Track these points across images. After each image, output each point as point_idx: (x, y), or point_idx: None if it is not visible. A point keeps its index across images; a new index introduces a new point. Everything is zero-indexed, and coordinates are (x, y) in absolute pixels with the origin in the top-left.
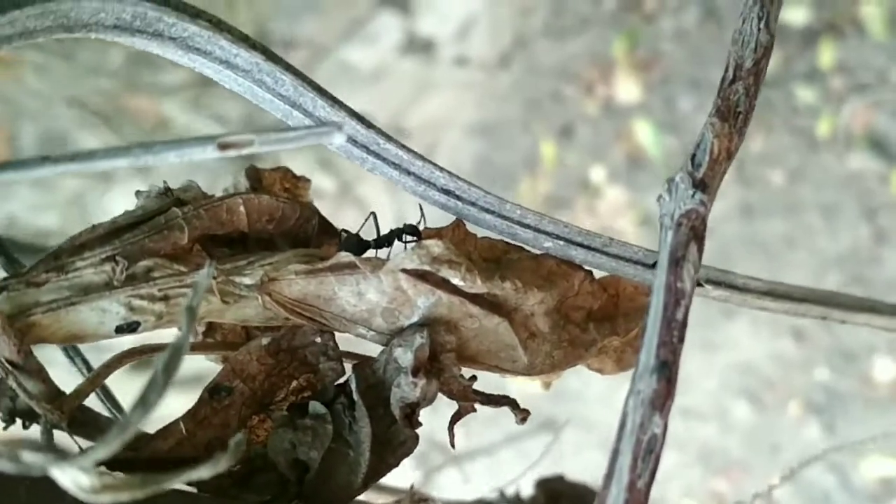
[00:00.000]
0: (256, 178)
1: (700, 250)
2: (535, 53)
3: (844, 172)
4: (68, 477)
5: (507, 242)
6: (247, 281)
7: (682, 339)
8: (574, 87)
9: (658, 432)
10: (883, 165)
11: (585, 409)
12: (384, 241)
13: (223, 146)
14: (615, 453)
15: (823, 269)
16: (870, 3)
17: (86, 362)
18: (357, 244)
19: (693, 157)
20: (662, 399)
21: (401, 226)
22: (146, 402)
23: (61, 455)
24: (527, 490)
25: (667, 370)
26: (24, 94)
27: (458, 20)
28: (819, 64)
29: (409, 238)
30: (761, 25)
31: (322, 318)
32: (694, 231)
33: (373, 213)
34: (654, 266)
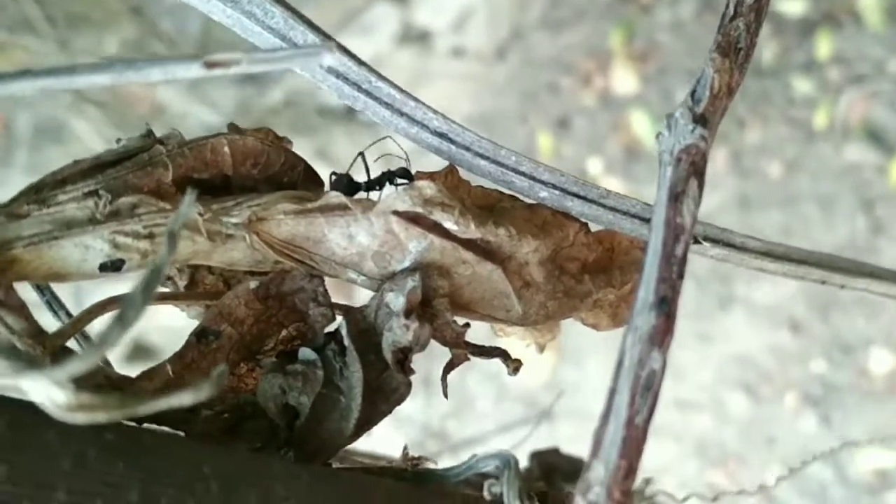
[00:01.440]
0: (238, 133)
1: (700, 186)
2: (531, 45)
3: (841, 164)
4: (41, 390)
5: (500, 192)
6: (234, 220)
7: (681, 276)
8: (571, 79)
9: (657, 368)
10: (880, 156)
11: (584, 400)
12: (375, 183)
13: (209, 64)
14: (612, 391)
15: None
16: None
17: (68, 314)
18: (347, 185)
19: (693, 92)
20: (661, 335)
21: (393, 169)
22: (124, 320)
23: (34, 366)
24: (522, 463)
25: (666, 306)
26: None
27: (454, 11)
28: (816, 55)
29: (400, 181)
30: None
31: (311, 260)
32: (694, 166)
33: (361, 154)
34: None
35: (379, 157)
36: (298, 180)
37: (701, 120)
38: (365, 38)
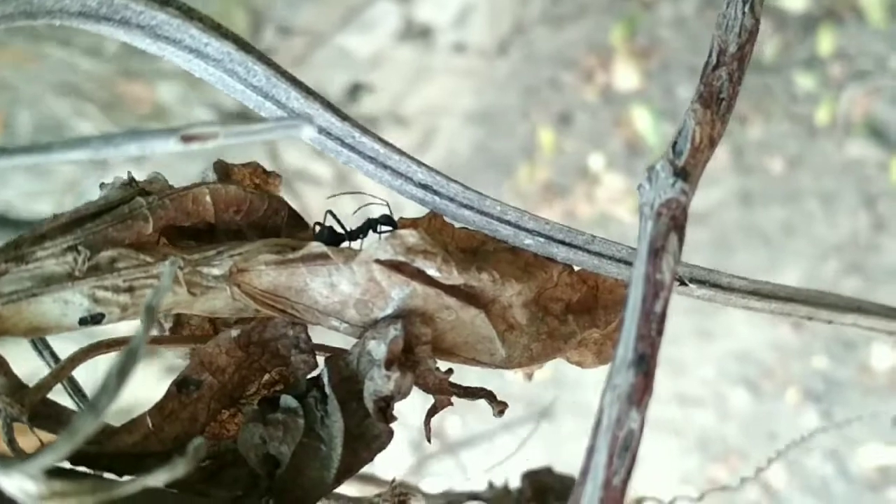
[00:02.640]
0: (225, 173)
1: (681, 240)
2: (533, 40)
3: (843, 160)
4: (14, 483)
5: (484, 234)
6: (215, 272)
7: (660, 332)
8: (573, 75)
9: (635, 428)
10: (882, 153)
11: (584, 396)
12: (358, 232)
13: (186, 138)
14: (591, 450)
15: (822, 257)
16: None
17: (54, 355)
18: (329, 235)
19: (674, 144)
20: (640, 394)
21: (376, 216)
22: (97, 407)
23: (6, 460)
24: (515, 482)
25: (644, 364)
26: (19, 79)
27: (456, 7)
28: (818, 51)
29: (384, 228)
30: (746, 9)
31: (293, 309)
32: (674, 221)
33: (329, 212)
34: None
35: (358, 209)
36: (283, 225)
37: (682, 173)
38: (366, 34)
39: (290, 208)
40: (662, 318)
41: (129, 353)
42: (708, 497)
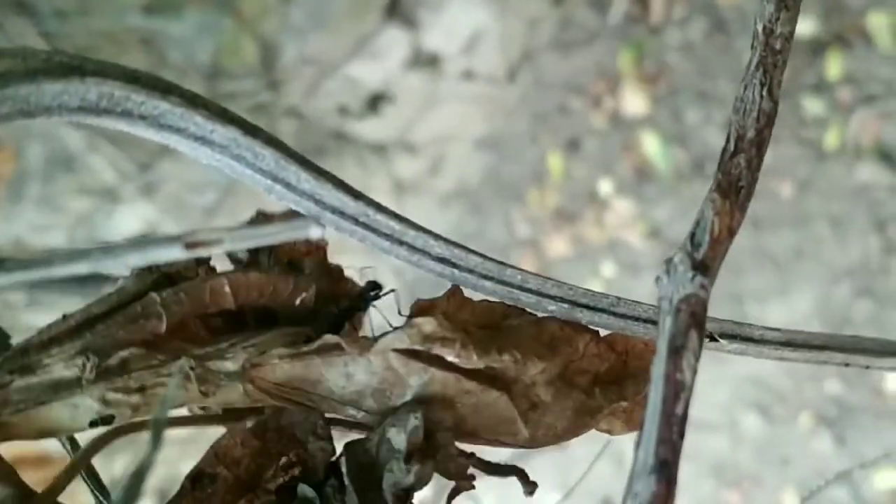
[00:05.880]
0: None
1: (700, 337)
2: (541, 67)
3: (853, 184)
4: None
5: (506, 304)
6: (228, 366)
7: (682, 435)
8: (581, 100)
9: None
10: (892, 177)
11: None
12: (354, 310)
13: (191, 245)
14: None
15: (833, 281)
16: (878, 15)
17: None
18: (335, 321)
19: (692, 235)
20: (662, 502)
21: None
22: None
23: None
24: None
25: (667, 471)
26: None
27: (464, 34)
28: (827, 75)
29: (373, 294)
30: (764, 92)
31: (309, 400)
32: (694, 317)
33: (337, 306)
34: None
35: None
36: (311, 303)
37: (701, 267)
38: (376, 63)
39: (321, 281)
40: (684, 419)
41: (137, 473)
42: None
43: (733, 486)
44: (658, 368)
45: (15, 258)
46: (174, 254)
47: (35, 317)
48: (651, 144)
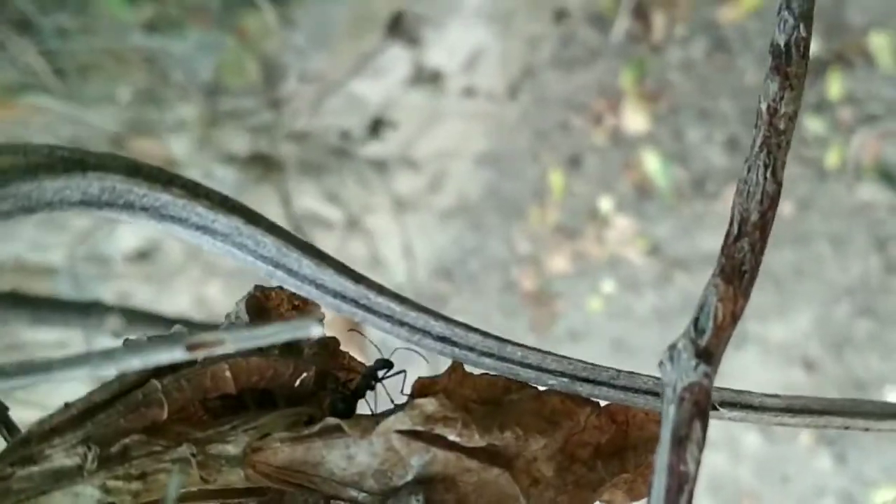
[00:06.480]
0: (259, 307)
1: (704, 427)
2: (543, 84)
3: (854, 203)
4: None
5: (507, 378)
6: (230, 450)
7: None
8: (582, 118)
9: None
10: (893, 196)
11: None
12: (365, 388)
13: (192, 347)
14: None
15: (834, 300)
16: (879, 35)
17: None
18: (343, 405)
19: (696, 321)
20: None
21: (372, 363)
22: None
23: None
24: None
25: None
26: (27, 135)
27: (466, 52)
28: (828, 94)
29: (383, 372)
30: (768, 174)
31: (310, 482)
32: (697, 406)
33: (336, 379)
34: None
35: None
36: (310, 385)
37: (704, 354)
38: (377, 80)
39: (321, 362)
40: None
41: None
42: None
43: None
44: (661, 458)
45: (13, 363)
46: (176, 355)
47: (37, 335)
48: (652, 162)
